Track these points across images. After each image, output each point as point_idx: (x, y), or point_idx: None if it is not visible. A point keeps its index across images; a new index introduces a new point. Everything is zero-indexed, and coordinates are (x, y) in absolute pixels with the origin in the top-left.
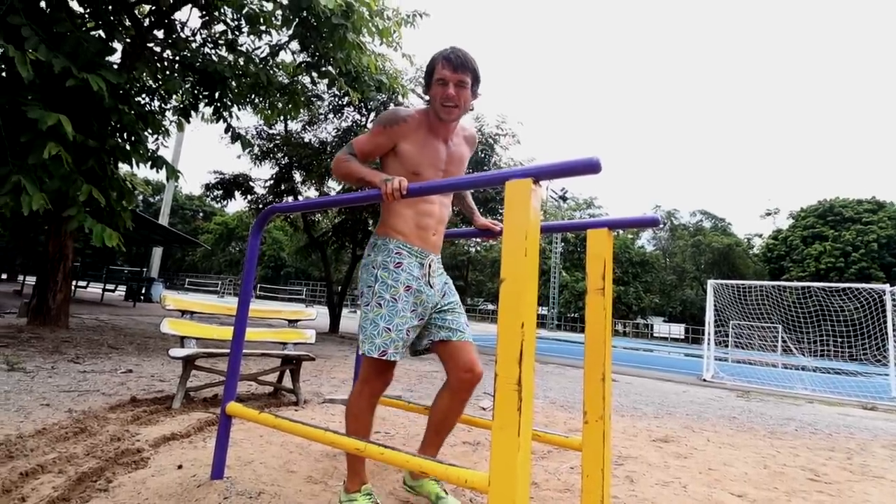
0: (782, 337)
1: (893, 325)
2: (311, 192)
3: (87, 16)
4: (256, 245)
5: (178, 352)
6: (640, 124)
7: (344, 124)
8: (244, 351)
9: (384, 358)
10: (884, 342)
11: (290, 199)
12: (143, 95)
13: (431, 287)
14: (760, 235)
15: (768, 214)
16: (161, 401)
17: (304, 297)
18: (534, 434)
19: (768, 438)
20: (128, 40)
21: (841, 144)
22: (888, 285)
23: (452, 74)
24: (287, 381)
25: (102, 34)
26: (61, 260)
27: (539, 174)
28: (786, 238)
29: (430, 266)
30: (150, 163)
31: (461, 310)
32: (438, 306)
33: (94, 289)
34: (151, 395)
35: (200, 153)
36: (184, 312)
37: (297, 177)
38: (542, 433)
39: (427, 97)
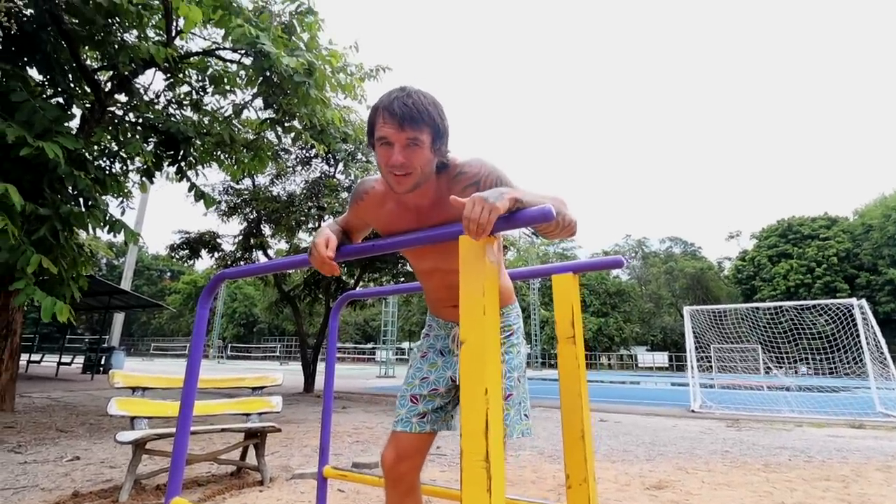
0: (763, 358)
1: (867, 337)
2: (281, 245)
3: (45, 83)
4: (205, 316)
5: (125, 435)
6: (608, 154)
7: (312, 175)
8: (202, 428)
9: (393, 428)
10: (860, 354)
11: (260, 253)
12: (104, 159)
13: (455, 357)
14: (730, 259)
15: (731, 237)
16: (107, 493)
17: (278, 353)
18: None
19: (763, 472)
20: (87, 105)
21: (791, 162)
22: (855, 299)
23: (398, 132)
24: (252, 458)
25: (61, 101)
26: (8, 336)
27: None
28: (753, 258)
29: (455, 338)
30: (107, 227)
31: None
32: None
33: (50, 362)
34: (98, 487)
35: (167, 212)
36: (135, 389)
37: (267, 230)
38: (522, 502)
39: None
